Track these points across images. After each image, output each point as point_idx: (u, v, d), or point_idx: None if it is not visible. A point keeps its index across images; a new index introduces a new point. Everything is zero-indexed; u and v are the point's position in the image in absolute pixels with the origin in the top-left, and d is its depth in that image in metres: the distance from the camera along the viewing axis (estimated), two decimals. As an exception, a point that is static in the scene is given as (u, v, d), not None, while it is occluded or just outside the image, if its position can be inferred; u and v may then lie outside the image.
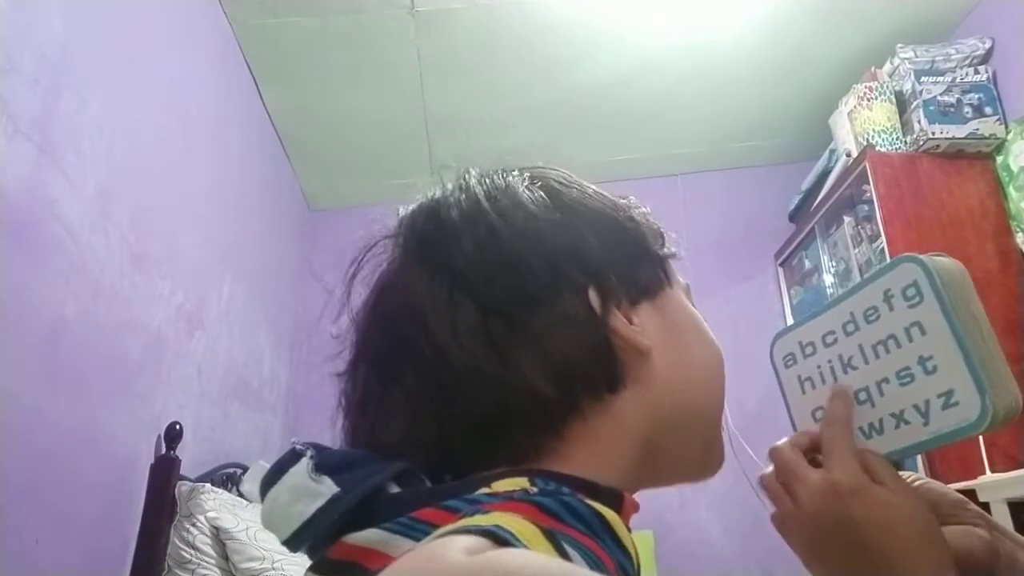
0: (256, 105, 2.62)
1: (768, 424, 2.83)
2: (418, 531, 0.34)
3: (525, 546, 0.26)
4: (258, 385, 2.57)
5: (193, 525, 1.72)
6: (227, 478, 2.07)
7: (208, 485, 1.81)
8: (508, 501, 0.33)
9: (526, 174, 0.51)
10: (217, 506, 1.75)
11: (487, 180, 0.50)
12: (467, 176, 0.51)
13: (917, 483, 0.56)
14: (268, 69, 2.52)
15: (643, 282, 0.49)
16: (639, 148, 3.05)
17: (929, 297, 0.51)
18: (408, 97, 2.67)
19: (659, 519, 2.70)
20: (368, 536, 0.35)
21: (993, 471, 1.77)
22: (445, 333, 0.43)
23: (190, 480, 1.82)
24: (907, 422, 0.52)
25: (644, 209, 0.54)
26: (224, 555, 1.72)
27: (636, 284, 0.48)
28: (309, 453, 0.40)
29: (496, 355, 0.43)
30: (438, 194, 0.50)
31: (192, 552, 1.69)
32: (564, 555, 0.27)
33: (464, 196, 0.49)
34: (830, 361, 0.57)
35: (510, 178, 0.50)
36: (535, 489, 0.36)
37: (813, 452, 0.54)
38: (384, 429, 0.46)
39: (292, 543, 0.39)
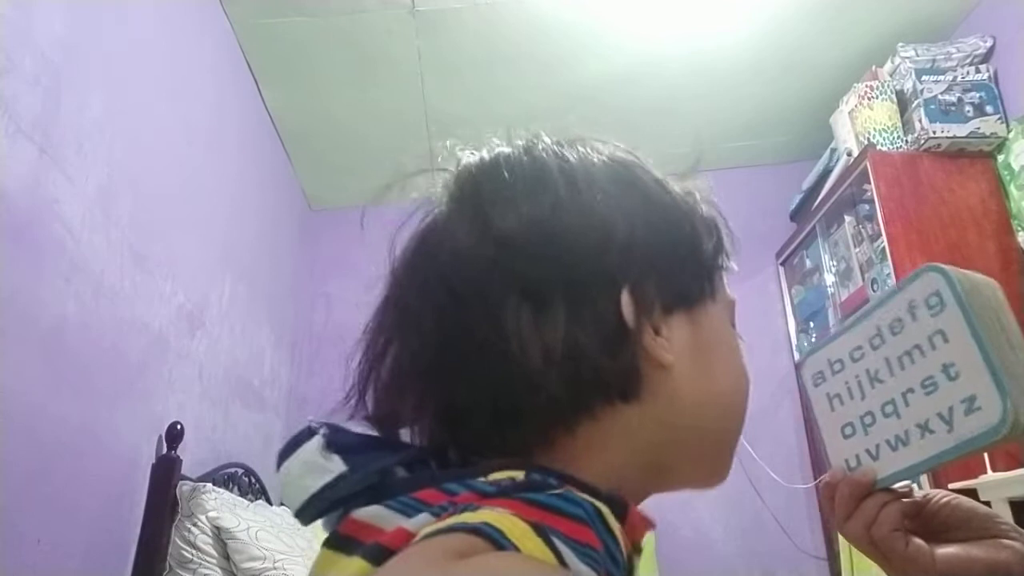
0: (257, 105, 2.63)
1: (768, 424, 2.84)
2: (413, 509, 0.35)
3: (515, 544, 0.26)
4: (259, 385, 2.57)
5: (194, 525, 1.72)
6: (228, 478, 2.07)
7: (209, 485, 1.81)
8: (497, 497, 0.33)
9: (601, 151, 0.49)
10: (218, 506, 1.76)
11: (560, 149, 0.47)
12: (537, 139, 0.48)
13: (945, 500, 0.55)
14: (269, 69, 2.53)
15: (683, 290, 0.46)
16: (640, 147, 3.03)
17: (951, 304, 0.51)
18: (409, 97, 2.67)
19: (661, 518, 2.68)
20: (369, 512, 0.36)
21: (994, 471, 1.77)
22: (475, 301, 0.42)
23: (191, 480, 1.83)
24: (932, 431, 0.52)
25: (712, 210, 0.51)
26: (225, 555, 1.72)
27: (675, 291, 0.45)
28: (322, 431, 0.42)
29: (517, 337, 0.41)
30: (505, 150, 0.48)
31: (193, 552, 1.69)
32: (556, 551, 0.27)
33: (529, 159, 0.47)
34: (857, 376, 0.57)
35: (588, 153, 0.48)
36: (524, 479, 0.35)
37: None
38: (397, 383, 0.45)
39: (301, 515, 0.41)
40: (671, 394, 0.44)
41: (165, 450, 1.79)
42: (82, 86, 1.51)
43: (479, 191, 0.46)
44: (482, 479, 0.36)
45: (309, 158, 2.98)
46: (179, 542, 1.71)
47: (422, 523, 0.33)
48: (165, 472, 1.76)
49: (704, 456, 0.48)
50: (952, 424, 0.51)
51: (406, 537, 0.32)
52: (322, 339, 3.02)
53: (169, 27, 1.96)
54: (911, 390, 0.53)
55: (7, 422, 1.25)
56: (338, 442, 0.41)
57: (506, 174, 0.46)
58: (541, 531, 0.28)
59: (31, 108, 1.34)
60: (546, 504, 0.31)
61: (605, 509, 0.33)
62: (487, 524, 0.26)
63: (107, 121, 1.59)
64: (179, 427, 1.80)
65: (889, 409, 0.55)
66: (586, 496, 0.33)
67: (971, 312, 0.50)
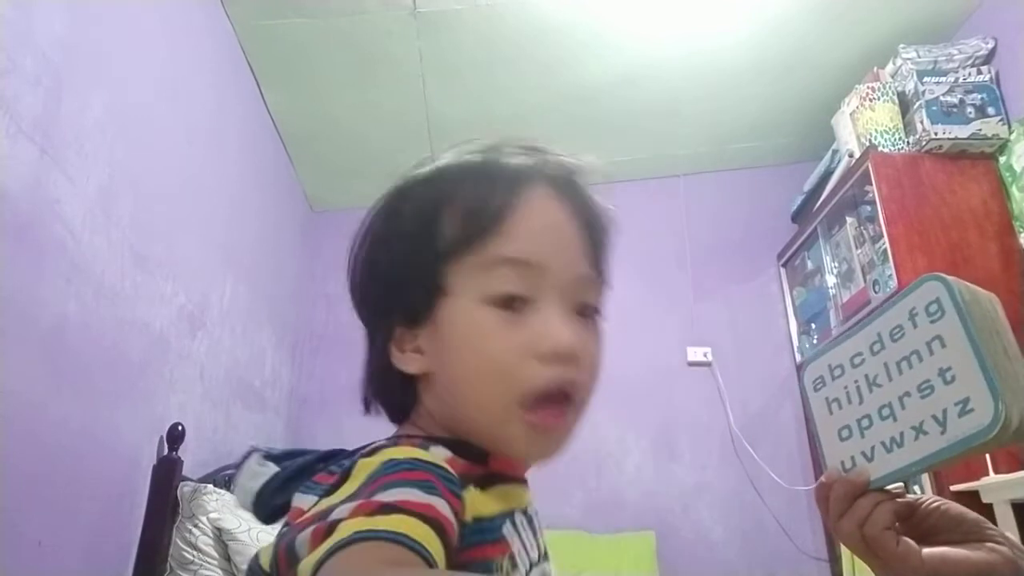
0: (258, 106, 2.63)
1: (769, 424, 2.84)
2: (313, 490, 0.48)
3: (416, 541, 0.35)
4: (260, 385, 2.57)
5: (195, 526, 1.72)
6: (229, 479, 2.07)
7: (210, 486, 1.81)
8: (351, 488, 0.42)
9: (406, 185, 0.57)
10: (219, 507, 1.76)
11: (395, 190, 0.58)
12: (413, 170, 0.58)
13: (935, 504, 0.57)
14: (270, 70, 2.53)
15: (411, 307, 0.53)
16: (641, 149, 3.05)
17: (950, 311, 0.52)
18: (410, 98, 2.67)
19: (661, 520, 2.69)
20: (295, 497, 0.50)
21: (997, 473, 1.77)
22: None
23: (192, 481, 1.83)
24: (925, 432, 0.53)
25: (482, 174, 0.55)
26: (226, 556, 1.72)
27: (407, 311, 0.53)
28: (258, 449, 0.56)
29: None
30: (418, 173, 0.57)
31: (194, 553, 1.69)
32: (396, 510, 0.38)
33: (392, 198, 0.58)
34: (856, 381, 0.59)
35: (394, 200, 0.57)
36: (385, 440, 0.50)
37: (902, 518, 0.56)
38: None
39: (256, 512, 0.53)
40: (433, 389, 0.54)
41: (166, 451, 1.79)
42: (83, 86, 1.51)
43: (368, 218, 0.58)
44: (359, 455, 0.46)
45: (310, 159, 2.98)
46: (180, 543, 1.70)
47: (308, 501, 0.46)
48: (166, 473, 1.76)
49: (481, 435, 0.52)
50: (945, 425, 0.52)
51: (297, 513, 0.46)
52: (323, 340, 3.02)
53: (170, 28, 1.96)
54: (908, 394, 0.55)
55: (7, 423, 1.25)
56: (273, 455, 0.55)
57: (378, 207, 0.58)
58: (385, 509, 0.38)
59: (32, 108, 1.34)
60: (384, 473, 0.42)
61: (424, 454, 0.45)
62: (391, 531, 0.35)
63: (108, 121, 1.59)
64: (180, 428, 1.80)
65: (886, 412, 0.56)
66: (415, 453, 0.45)
67: (969, 319, 0.51)
